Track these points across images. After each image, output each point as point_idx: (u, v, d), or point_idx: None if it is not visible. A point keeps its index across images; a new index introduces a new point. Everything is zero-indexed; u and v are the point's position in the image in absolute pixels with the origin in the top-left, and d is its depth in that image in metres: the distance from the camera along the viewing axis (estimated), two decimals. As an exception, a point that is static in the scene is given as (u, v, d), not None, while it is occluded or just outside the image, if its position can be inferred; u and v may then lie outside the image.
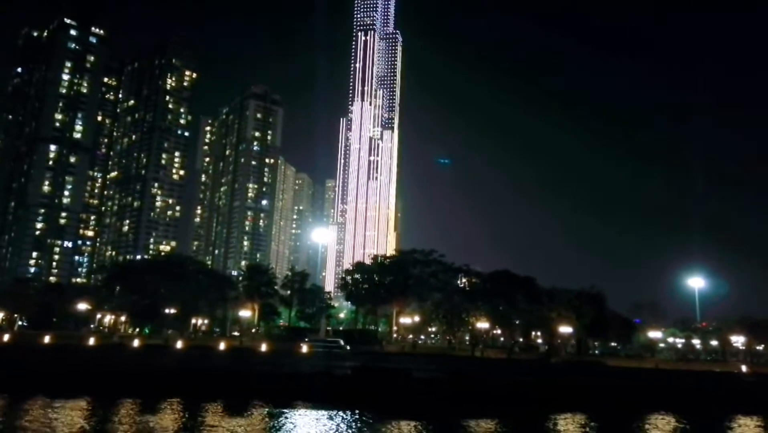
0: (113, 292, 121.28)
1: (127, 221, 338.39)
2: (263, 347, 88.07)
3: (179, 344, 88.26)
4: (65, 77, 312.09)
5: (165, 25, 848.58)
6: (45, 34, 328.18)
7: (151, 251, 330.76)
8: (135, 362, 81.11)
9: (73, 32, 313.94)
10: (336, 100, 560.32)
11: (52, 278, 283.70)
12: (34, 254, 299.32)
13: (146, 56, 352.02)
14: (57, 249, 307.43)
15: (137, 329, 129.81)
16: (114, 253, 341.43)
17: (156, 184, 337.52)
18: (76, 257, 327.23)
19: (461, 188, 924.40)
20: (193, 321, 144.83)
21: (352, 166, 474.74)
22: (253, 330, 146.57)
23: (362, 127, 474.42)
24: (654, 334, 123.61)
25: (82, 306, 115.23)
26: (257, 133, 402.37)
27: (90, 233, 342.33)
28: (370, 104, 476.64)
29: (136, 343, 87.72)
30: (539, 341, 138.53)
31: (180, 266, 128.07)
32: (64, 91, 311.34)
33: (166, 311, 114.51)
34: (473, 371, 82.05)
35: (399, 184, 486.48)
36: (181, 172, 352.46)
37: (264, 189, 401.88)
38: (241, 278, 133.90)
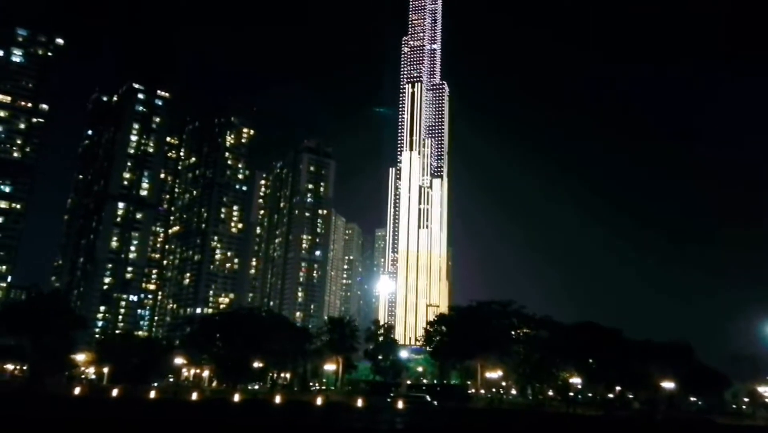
0: (200, 346, 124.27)
1: (188, 274, 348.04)
2: (358, 402, 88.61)
3: (278, 399, 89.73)
4: (133, 138, 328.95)
5: (221, 84, 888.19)
6: (114, 98, 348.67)
7: (210, 304, 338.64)
8: (238, 417, 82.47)
9: (140, 96, 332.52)
10: (385, 150, 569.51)
11: (117, 331, 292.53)
12: (102, 308, 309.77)
13: (207, 115, 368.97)
14: (123, 303, 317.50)
15: (220, 383, 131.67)
16: (175, 306, 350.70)
17: (215, 238, 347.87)
18: (139, 310, 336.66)
19: (513, 235, 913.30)
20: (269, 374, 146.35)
21: (402, 215, 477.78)
22: (316, 385, 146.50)
23: (411, 176, 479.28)
24: (763, 389, 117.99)
25: (179, 360, 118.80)
26: (310, 186, 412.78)
27: (152, 287, 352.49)
28: (419, 153, 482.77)
29: (236, 397, 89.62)
30: (609, 395, 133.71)
31: (264, 320, 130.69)
32: (131, 151, 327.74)
33: (255, 364, 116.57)
34: (576, 430, 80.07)
35: (449, 232, 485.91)
36: (239, 226, 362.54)
37: (317, 240, 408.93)
38: (322, 331, 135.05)
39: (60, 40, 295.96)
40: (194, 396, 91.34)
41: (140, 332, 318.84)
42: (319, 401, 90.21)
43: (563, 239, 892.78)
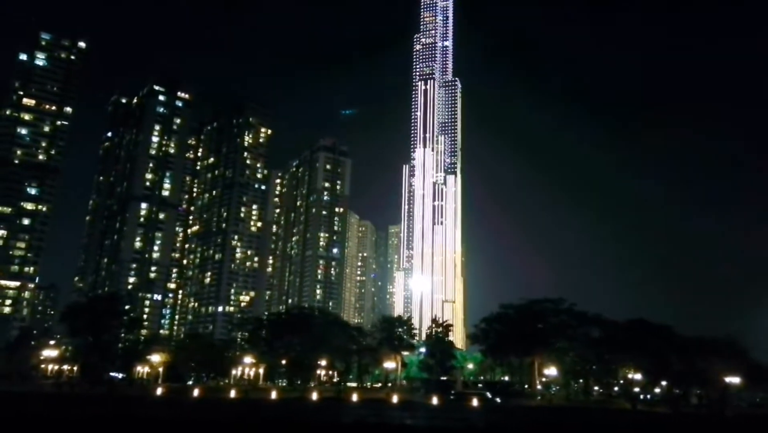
0: (260, 346, 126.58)
1: (209, 273, 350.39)
2: (434, 401, 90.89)
3: (354, 397, 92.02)
4: (155, 139, 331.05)
5: (237, 84, 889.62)
6: (134, 100, 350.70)
7: (232, 302, 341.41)
8: (318, 415, 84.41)
9: (161, 97, 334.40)
10: (398, 147, 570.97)
11: (143, 331, 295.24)
12: (127, 308, 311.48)
13: (225, 116, 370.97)
14: (147, 302, 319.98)
15: (291, 382, 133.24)
16: (196, 304, 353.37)
17: (236, 237, 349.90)
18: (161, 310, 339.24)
19: (526, 230, 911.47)
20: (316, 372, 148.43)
21: (416, 212, 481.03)
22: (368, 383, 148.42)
23: (425, 173, 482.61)
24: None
25: (248, 360, 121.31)
26: (327, 184, 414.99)
27: (173, 286, 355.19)
28: (433, 150, 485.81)
29: (314, 396, 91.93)
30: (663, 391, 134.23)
31: (320, 319, 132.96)
32: (153, 152, 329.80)
33: (319, 363, 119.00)
34: (650, 429, 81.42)
35: (463, 228, 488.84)
36: (258, 225, 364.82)
37: (334, 238, 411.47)
38: (375, 329, 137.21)
39: (83, 44, 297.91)
40: (273, 395, 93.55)
41: (162, 331, 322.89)
42: (394, 399, 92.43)
43: (578, 235, 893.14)
